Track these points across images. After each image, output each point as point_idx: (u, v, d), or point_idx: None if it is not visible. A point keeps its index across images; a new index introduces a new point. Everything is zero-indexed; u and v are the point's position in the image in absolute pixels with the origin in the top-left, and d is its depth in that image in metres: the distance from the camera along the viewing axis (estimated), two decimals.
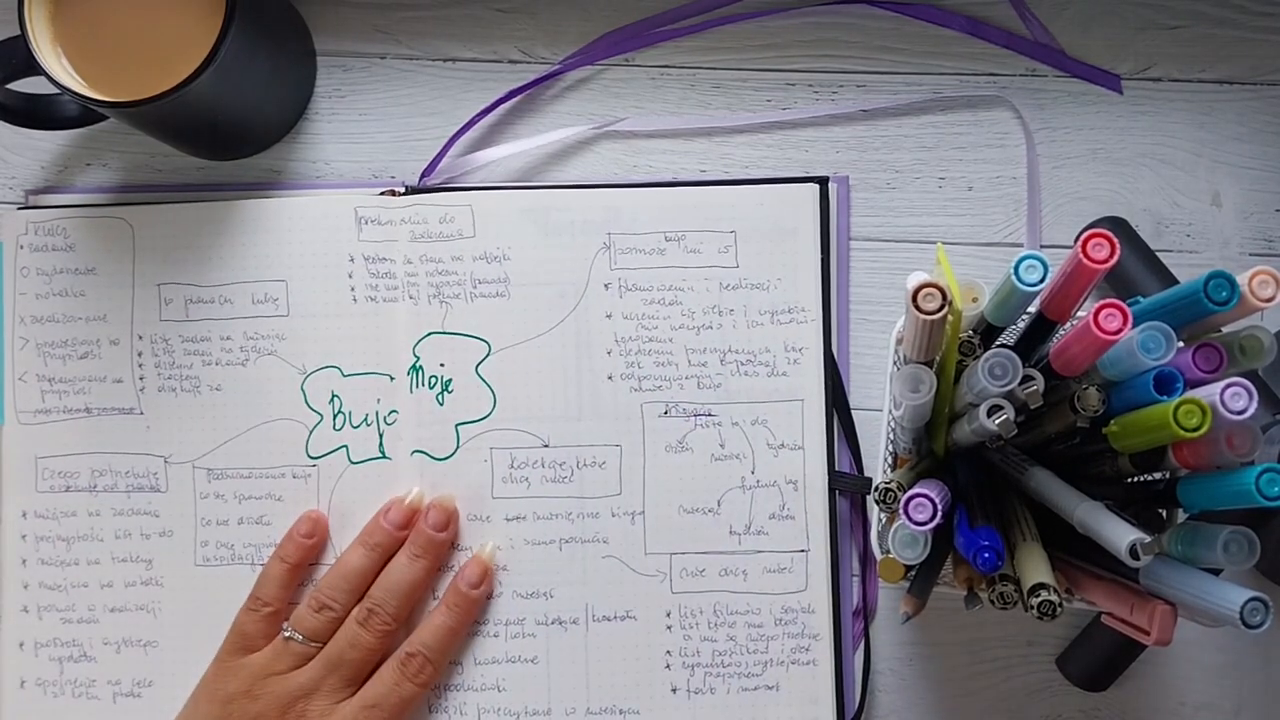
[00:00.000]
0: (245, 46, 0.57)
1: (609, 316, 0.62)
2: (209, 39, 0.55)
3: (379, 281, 0.63)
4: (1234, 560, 0.44)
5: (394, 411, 0.62)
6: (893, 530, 0.48)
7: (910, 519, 0.46)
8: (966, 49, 0.65)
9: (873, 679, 0.62)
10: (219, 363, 0.63)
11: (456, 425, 0.62)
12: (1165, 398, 0.44)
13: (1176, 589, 0.45)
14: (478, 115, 0.65)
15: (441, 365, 0.62)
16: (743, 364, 0.62)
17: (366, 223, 0.63)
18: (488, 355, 0.62)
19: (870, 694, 0.62)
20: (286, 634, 0.59)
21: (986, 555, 0.46)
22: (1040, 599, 0.45)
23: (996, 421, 0.45)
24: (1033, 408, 0.47)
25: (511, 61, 0.66)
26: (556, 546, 0.62)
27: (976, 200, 0.64)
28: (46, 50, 0.57)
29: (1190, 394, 0.43)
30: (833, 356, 0.62)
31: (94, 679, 0.62)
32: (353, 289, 0.63)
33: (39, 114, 0.61)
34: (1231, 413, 0.42)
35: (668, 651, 0.61)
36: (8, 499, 0.63)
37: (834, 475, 0.62)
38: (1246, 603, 0.42)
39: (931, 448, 0.53)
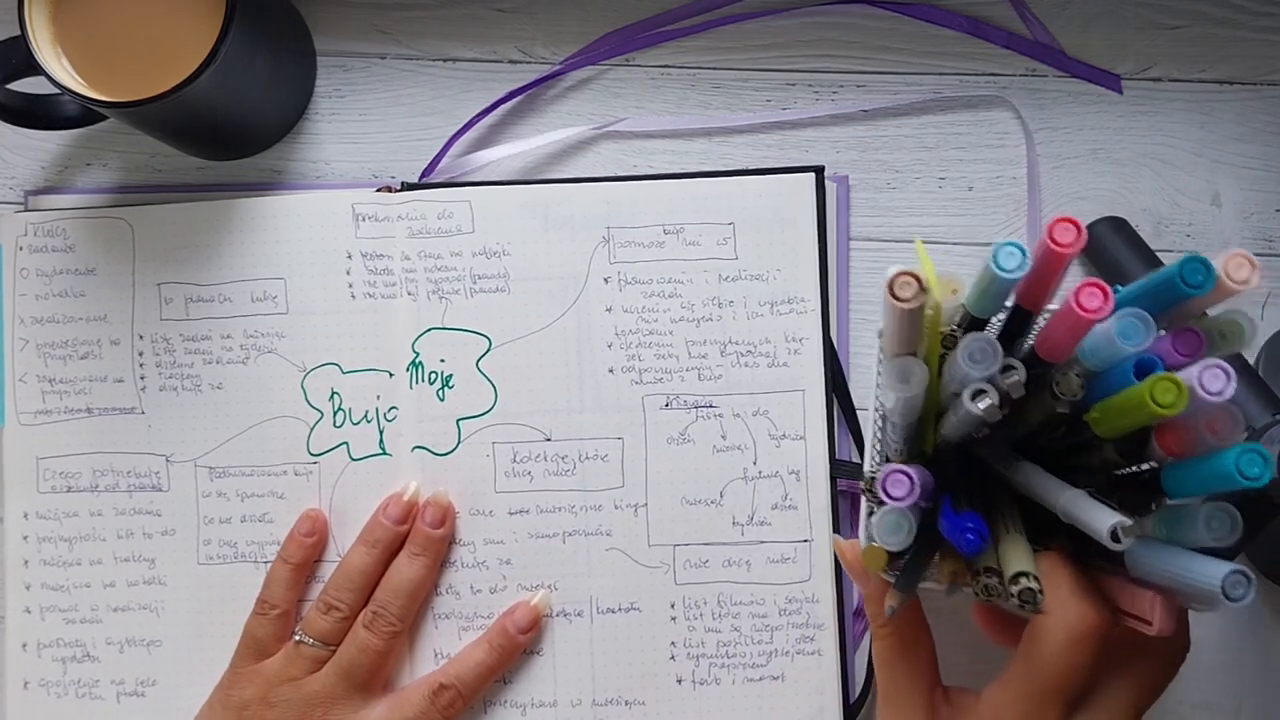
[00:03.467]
0: (245, 46, 0.57)
1: (609, 310, 0.63)
2: (209, 39, 0.55)
3: (377, 278, 0.63)
4: (1216, 536, 0.43)
5: (394, 408, 0.62)
6: (877, 515, 0.47)
7: (887, 494, 0.45)
8: (966, 49, 0.65)
9: (874, 678, 0.62)
10: (219, 361, 0.63)
11: (458, 420, 0.62)
12: None
13: (1159, 569, 0.45)
14: (478, 115, 0.65)
15: (442, 361, 0.62)
16: (743, 355, 0.62)
17: (363, 219, 0.63)
18: (488, 350, 0.62)
19: (872, 692, 0.62)
20: (298, 638, 0.59)
21: (970, 537, 0.45)
22: (1021, 586, 0.45)
23: (982, 406, 0.44)
24: (1015, 398, 0.46)
25: (511, 61, 0.66)
26: (560, 539, 0.62)
27: (976, 200, 0.64)
28: (46, 50, 0.57)
29: (1166, 373, 0.42)
30: (832, 345, 0.63)
31: (97, 679, 0.62)
32: (350, 286, 0.63)
33: (39, 114, 0.61)
34: (1209, 393, 0.41)
35: (672, 643, 0.61)
36: (9, 500, 0.63)
37: (835, 464, 0.62)
38: (1227, 576, 0.42)
39: (921, 447, 0.53)
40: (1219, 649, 0.62)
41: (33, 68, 0.56)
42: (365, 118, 0.66)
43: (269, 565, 0.62)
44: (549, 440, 0.62)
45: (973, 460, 0.52)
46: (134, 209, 0.64)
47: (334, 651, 0.59)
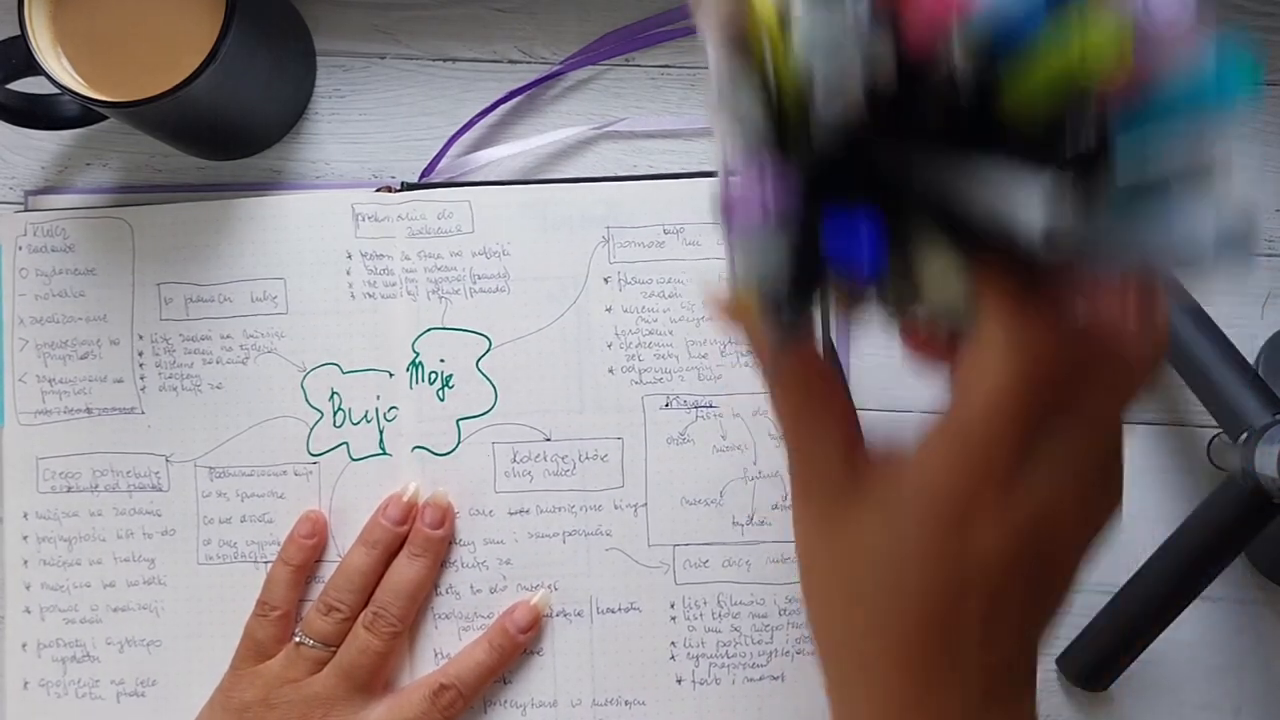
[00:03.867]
0: (245, 46, 0.57)
1: (609, 310, 0.63)
2: (209, 39, 0.55)
3: (376, 278, 0.63)
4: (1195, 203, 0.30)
5: (394, 408, 0.62)
6: (730, 249, 0.35)
7: (733, 222, 0.33)
8: None
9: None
10: (219, 361, 0.63)
11: (458, 420, 0.62)
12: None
13: (1125, 245, 0.31)
14: (478, 115, 0.65)
15: (442, 361, 0.62)
16: (743, 355, 0.62)
17: (363, 219, 0.63)
18: (488, 350, 0.62)
19: None
20: (298, 639, 0.59)
21: (866, 255, 0.32)
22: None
23: (834, 111, 0.31)
24: (882, 85, 0.32)
25: (511, 61, 0.66)
26: (560, 539, 0.62)
27: None
28: (46, 50, 0.57)
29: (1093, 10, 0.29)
30: (833, 344, 0.62)
31: (97, 679, 0.62)
32: (350, 285, 0.63)
33: (39, 114, 0.61)
34: (1159, 19, 0.29)
35: (672, 643, 0.61)
36: (9, 500, 0.63)
37: None
38: (1223, 232, 0.29)
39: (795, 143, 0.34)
40: (1219, 650, 0.62)
41: (33, 68, 0.56)
42: (365, 118, 0.65)
43: (269, 565, 0.62)
44: (549, 440, 0.62)
45: (866, 156, 0.35)
46: (134, 209, 0.64)
47: (334, 652, 0.59)
